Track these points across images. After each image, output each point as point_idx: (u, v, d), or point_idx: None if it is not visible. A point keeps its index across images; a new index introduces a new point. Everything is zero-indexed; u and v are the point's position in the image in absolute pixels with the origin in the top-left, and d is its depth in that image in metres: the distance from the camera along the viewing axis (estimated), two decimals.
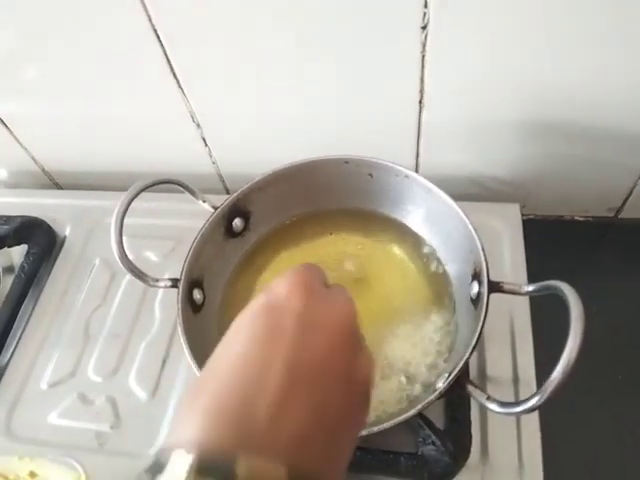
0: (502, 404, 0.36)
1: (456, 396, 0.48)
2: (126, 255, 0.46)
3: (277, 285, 0.28)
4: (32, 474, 0.45)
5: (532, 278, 0.54)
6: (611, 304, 0.55)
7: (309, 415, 0.24)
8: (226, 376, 0.25)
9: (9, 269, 0.65)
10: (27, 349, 0.59)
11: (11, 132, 0.70)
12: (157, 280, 0.48)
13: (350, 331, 0.28)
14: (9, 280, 0.63)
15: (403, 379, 0.46)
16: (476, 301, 0.44)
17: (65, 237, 0.69)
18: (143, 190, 0.47)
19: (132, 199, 0.46)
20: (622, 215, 0.65)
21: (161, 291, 0.61)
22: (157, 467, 0.22)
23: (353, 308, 0.29)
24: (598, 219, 0.66)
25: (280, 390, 0.24)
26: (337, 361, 0.26)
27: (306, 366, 0.25)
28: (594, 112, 0.53)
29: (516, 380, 0.50)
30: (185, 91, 0.58)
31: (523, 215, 0.61)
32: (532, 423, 0.47)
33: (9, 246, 0.66)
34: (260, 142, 0.64)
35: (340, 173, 0.52)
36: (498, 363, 0.51)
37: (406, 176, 0.50)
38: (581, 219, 0.67)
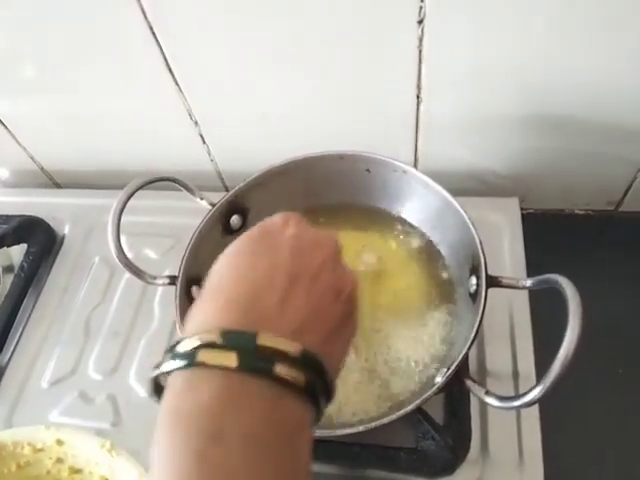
0: (501, 398, 0.36)
1: (455, 391, 0.48)
2: (124, 253, 0.46)
3: (271, 218, 0.33)
4: (59, 442, 0.46)
5: (532, 272, 0.54)
6: (611, 298, 0.55)
7: (308, 309, 0.28)
8: (237, 282, 0.28)
9: (9, 268, 0.65)
10: (27, 348, 0.60)
11: (9, 131, 0.70)
12: (155, 277, 0.48)
13: (334, 253, 0.32)
14: (9, 279, 0.64)
15: (401, 374, 0.46)
16: (475, 295, 0.44)
17: (64, 236, 0.69)
18: (140, 188, 0.47)
19: (129, 197, 0.46)
20: (622, 208, 0.65)
21: (160, 288, 0.61)
22: (179, 354, 0.25)
23: (335, 238, 0.33)
24: (598, 213, 0.66)
25: (283, 291, 0.28)
26: (325, 275, 0.30)
27: (302, 275, 0.29)
28: (594, 105, 0.53)
29: (516, 374, 0.50)
30: (182, 88, 0.58)
31: (522, 209, 0.61)
32: (532, 417, 0.47)
33: (8, 245, 0.66)
34: (258, 139, 0.64)
35: (337, 169, 0.52)
36: (497, 358, 0.51)
37: (404, 171, 0.50)
38: (581, 213, 0.67)
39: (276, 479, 0.23)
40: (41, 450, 0.47)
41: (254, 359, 0.24)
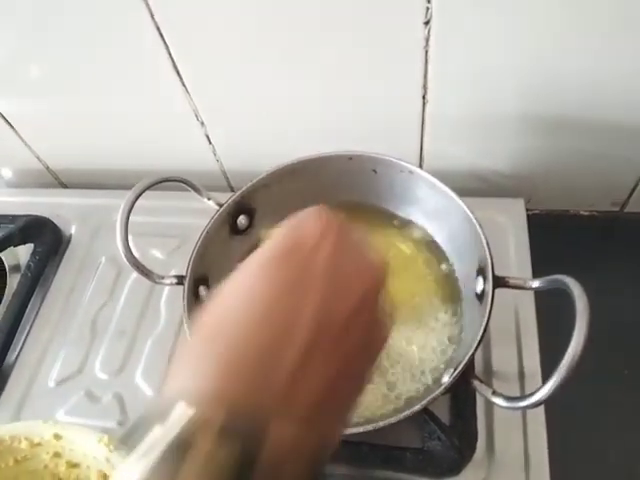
0: (507, 398, 0.36)
1: (462, 391, 0.48)
2: (132, 253, 0.46)
3: (306, 221, 0.25)
4: (57, 436, 0.46)
5: (537, 273, 0.54)
6: (617, 299, 0.55)
7: (330, 374, 0.22)
8: (248, 323, 0.21)
9: (15, 268, 0.66)
10: (34, 347, 0.60)
11: (15, 131, 0.70)
12: (163, 277, 0.48)
13: (380, 286, 0.25)
14: (15, 279, 0.64)
15: (408, 374, 0.46)
16: (481, 296, 0.44)
17: (71, 235, 0.69)
18: (148, 188, 0.47)
19: (137, 197, 0.46)
20: (627, 209, 0.65)
21: (167, 288, 0.61)
22: (152, 419, 0.19)
23: (384, 263, 0.26)
24: (603, 213, 0.66)
25: (303, 351, 0.21)
26: (362, 319, 0.23)
27: (335, 318, 0.22)
28: (599, 106, 0.53)
29: (522, 375, 0.50)
30: (188, 89, 0.59)
31: (528, 210, 0.61)
32: (538, 418, 0.47)
33: (15, 245, 0.66)
34: (264, 139, 0.64)
35: (344, 169, 0.52)
36: (504, 358, 0.51)
37: (410, 172, 0.50)
38: (586, 213, 0.67)
39: None
40: (39, 444, 0.47)
41: (258, 451, 0.19)
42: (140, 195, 0.46)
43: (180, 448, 0.18)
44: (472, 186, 0.64)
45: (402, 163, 0.50)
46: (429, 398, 0.39)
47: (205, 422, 0.19)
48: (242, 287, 0.23)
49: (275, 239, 0.24)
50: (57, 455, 0.47)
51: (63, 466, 0.47)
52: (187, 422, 0.18)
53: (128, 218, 0.46)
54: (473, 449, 0.46)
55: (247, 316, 0.22)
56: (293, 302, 0.22)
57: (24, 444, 0.47)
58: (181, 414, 0.19)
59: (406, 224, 0.54)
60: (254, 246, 0.55)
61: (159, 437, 0.18)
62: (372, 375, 0.26)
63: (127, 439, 0.19)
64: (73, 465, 0.47)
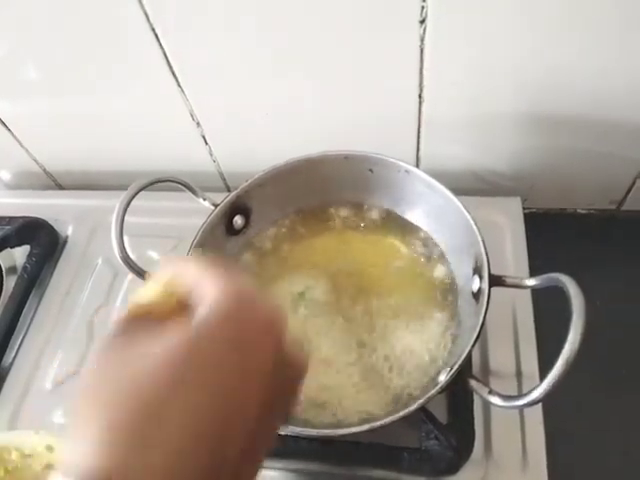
0: (504, 397, 0.36)
1: (459, 390, 0.48)
2: (127, 254, 0.46)
3: (207, 289, 0.24)
4: (49, 448, 0.45)
5: (534, 271, 0.54)
6: (614, 297, 0.55)
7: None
8: (145, 399, 0.21)
9: (12, 270, 0.65)
10: (31, 349, 0.60)
11: (12, 133, 0.70)
12: None
13: (282, 338, 0.24)
14: (12, 281, 0.64)
15: (404, 373, 0.46)
16: (477, 295, 0.44)
17: (67, 237, 0.69)
18: (143, 189, 0.47)
19: (132, 198, 0.46)
20: (624, 207, 0.65)
21: None
22: None
23: (280, 313, 0.25)
24: (600, 212, 0.66)
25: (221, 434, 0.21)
26: (277, 377, 0.23)
27: (245, 404, 0.22)
28: (596, 105, 0.53)
29: (519, 374, 0.50)
30: (184, 90, 0.58)
31: (525, 208, 0.61)
32: (535, 417, 0.47)
33: (12, 247, 0.66)
34: (260, 139, 0.64)
35: (340, 169, 0.52)
36: (501, 357, 0.51)
37: (406, 171, 0.50)
38: (583, 212, 0.67)
39: None
40: (29, 456, 0.45)
41: None
42: (135, 195, 0.46)
43: None
44: (469, 185, 0.64)
45: (398, 162, 0.50)
46: (426, 397, 0.39)
47: None
48: (136, 371, 0.22)
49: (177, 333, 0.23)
50: (49, 467, 0.46)
51: None
52: None
53: (123, 219, 0.46)
54: (471, 448, 0.46)
55: (150, 391, 0.21)
56: (205, 381, 0.22)
57: (14, 455, 0.45)
58: None
59: (403, 223, 0.54)
60: (249, 246, 0.55)
61: None
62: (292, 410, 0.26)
63: None
64: None
